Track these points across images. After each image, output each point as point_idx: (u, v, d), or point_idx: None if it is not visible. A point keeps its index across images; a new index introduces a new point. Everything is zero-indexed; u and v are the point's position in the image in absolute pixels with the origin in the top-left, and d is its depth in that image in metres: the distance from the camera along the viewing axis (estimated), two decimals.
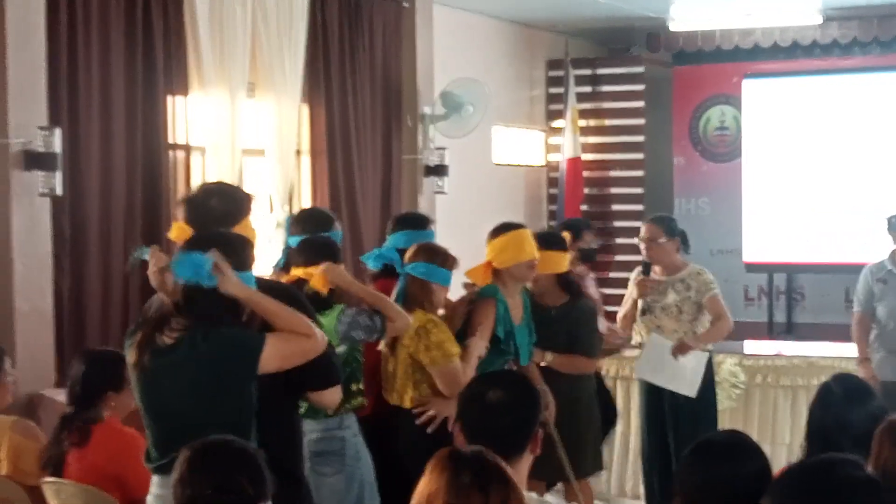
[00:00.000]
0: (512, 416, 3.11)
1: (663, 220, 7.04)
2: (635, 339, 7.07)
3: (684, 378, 6.72)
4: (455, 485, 2.57)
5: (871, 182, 10.26)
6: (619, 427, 7.97)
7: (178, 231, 4.03)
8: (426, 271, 5.24)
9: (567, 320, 6.19)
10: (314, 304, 4.81)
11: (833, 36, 10.75)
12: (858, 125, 10.32)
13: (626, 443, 8.07)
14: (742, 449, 3.04)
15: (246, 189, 4.92)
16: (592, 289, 7.79)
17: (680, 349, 6.70)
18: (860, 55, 10.79)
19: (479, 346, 5.29)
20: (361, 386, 4.94)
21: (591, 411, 6.35)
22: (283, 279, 4.96)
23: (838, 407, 3.71)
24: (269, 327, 3.73)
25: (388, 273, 5.56)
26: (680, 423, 6.71)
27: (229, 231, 3.83)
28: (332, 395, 4.02)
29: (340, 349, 4.83)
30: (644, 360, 6.85)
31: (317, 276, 4.85)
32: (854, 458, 2.57)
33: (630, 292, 7.00)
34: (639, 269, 7.02)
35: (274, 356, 3.65)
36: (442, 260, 5.33)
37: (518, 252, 5.69)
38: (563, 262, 6.20)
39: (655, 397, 6.86)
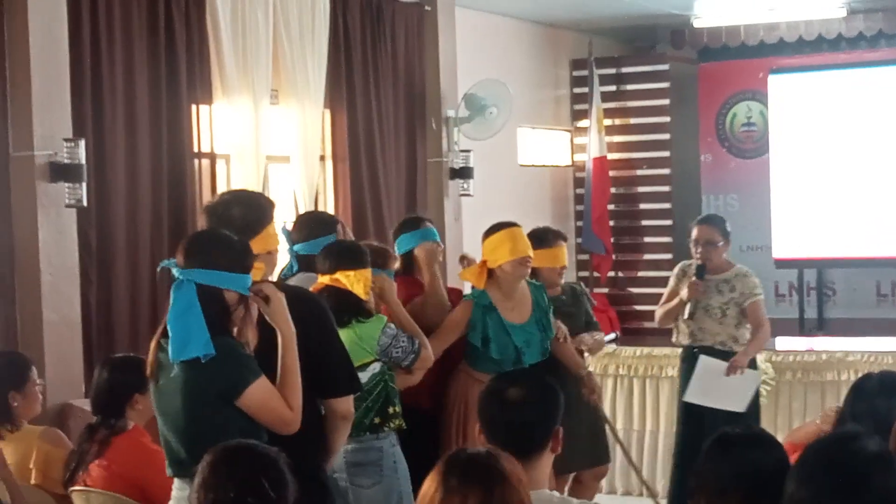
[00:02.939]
0: (532, 413, 3.11)
1: (718, 221, 6.92)
2: (680, 339, 6.99)
3: (735, 395, 6.66)
4: (444, 488, 2.60)
5: None
6: (648, 425, 7.97)
7: None
8: None
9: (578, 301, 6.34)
10: (355, 309, 4.82)
11: (858, 29, 10.69)
12: (886, 118, 10.25)
13: (654, 441, 8.05)
14: (762, 441, 3.03)
15: (269, 196, 4.91)
16: None
17: (733, 370, 6.64)
18: (886, 47, 10.72)
19: (429, 347, 5.17)
20: (399, 408, 4.92)
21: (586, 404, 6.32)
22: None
23: (871, 396, 3.71)
24: (267, 347, 3.69)
25: (401, 272, 5.59)
26: (719, 425, 6.65)
27: (225, 232, 3.80)
28: (345, 405, 4.00)
29: (375, 367, 4.82)
30: (695, 385, 6.73)
31: (362, 283, 4.82)
32: (865, 433, 2.61)
33: (671, 287, 6.93)
34: (685, 264, 6.90)
35: (254, 401, 3.57)
36: (372, 258, 5.19)
37: (512, 249, 5.65)
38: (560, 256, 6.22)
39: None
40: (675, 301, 6.81)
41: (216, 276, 3.62)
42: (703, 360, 6.69)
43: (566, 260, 6.26)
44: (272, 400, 3.60)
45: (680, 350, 7.04)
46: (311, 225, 5.15)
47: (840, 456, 2.56)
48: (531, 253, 5.74)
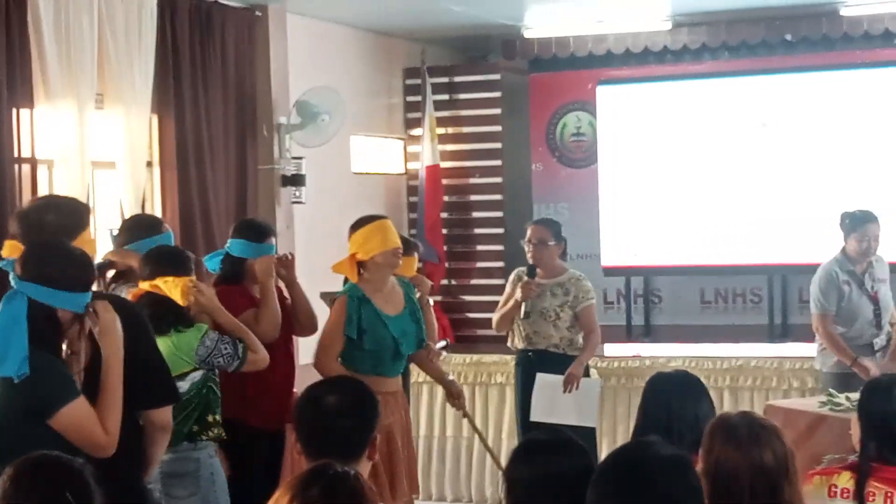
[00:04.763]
0: (348, 421, 3.10)
1: (552, 223, 7.17)
2: (516, 343, 7.09)
3: (581, 408, 6.79)
4: (301, 499, 2.54)
5: (723, 185, 10.48)
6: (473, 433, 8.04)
7: (11, 249, 3.91)
8: None
9: None
10: (174, 317, 4.74)
11: (683, 41, 10.94)
12: (710, 129, 10.53)
13: (483, 448, 8.10)
14: (566, 446, 3.09)
15: (92, 202, 4.83)
16: None
17: (569, 382, 6.77)
18: (709, 60, 11.00)
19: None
20: (219, 417, 4.86)
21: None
22: (129, 293, 4.84)
23: (664, 397, 3.82)
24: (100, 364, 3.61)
25: (229, 279, 5.52)
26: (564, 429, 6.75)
27: (70, 246, 3.70)
28: (163, 415, 3.94)
29: (195, 375, 4.76)
30: (536, 403, 6.83)
31: (180, 289, 4.76)
32: (660, 440, 2.69)
33: (507, 293, 7.05)
34: (520, 270, 7.04)
35: (66, 422, 3.48)
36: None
37: (383, 241, 5.69)
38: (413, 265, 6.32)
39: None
40: (511, 304, 6.92)
41: (50, 294, 3.51)
42: (540, 377, 6.82)
43: (414, 270, 6.36)
44: (86, 423, 3.49)
45: (515, 355, 7.15)
46: (133, 228, 5.11)
47: (632, 462, 2.63)
48: (400, 244, 5.78)
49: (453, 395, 6.22)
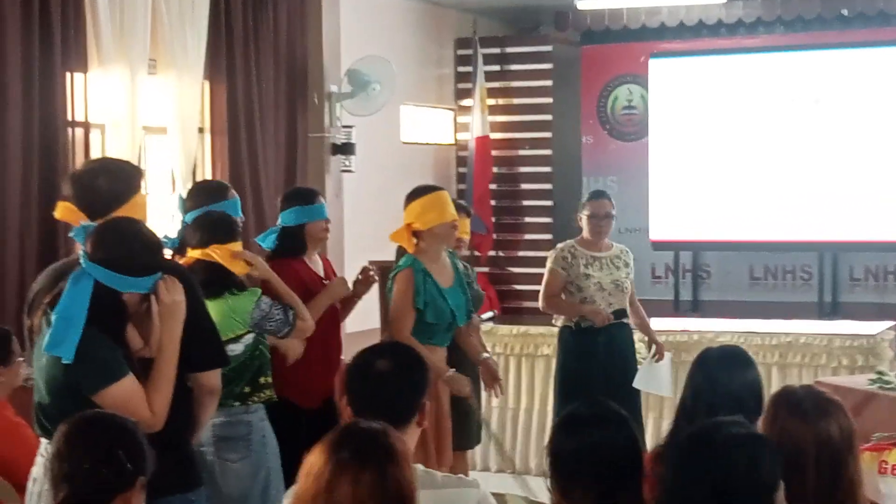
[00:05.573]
0: (398, 386, 3.10)
1: (609, 196, 7.10)
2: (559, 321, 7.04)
3: (663, 380, 6.88)
4: (335, 461, 2.54)
5: (774, 161, 10.40)
6: (522, 403, 8.01)
7: (64, 211, 3.93)
8: None
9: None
10: (227, 281, 4.76)
11: (738, 15, 10.86)
12: (762, 104, 10.44)
13: (528, 419, 8.10)
14: (609, 418, 3.07)
15: (142, 166, 4.84)
16: None
17: (661, 353, 6.86)
18: (764, 34, 10.90)
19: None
20: (270, 379, 4.87)
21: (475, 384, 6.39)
22: (181, 260, 4.85)
23: (713, 371, 3.80)
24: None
25: (283, 253, 5.52)
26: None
27: (140, 228, 3.69)
28: (212, 378, 3.93)
29: (248, 338, 4.78)
30: (645, 373, 6.90)
31: (240, 263, 4.78)
32: (736, 419, 2.68)
33: (557, 273, 6.88)
34: (567, 250, 6.86)
35: (107, 402, 3.45)
36: None
37: (441, 213, 5.61)
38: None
39: (585, 375, 6.79)
40: (575, 308, 6.82)
41: (117, 279, 3.50)
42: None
43: (468, 232, 6.33)
44: (129, 403, 3.46)
45: (569, 326, 6.99)
46: (200, 193, 5.13)
47: (712, 441, 2.64)
48: (457, 217, 5.74)
49: (487, 377, 6.07)
